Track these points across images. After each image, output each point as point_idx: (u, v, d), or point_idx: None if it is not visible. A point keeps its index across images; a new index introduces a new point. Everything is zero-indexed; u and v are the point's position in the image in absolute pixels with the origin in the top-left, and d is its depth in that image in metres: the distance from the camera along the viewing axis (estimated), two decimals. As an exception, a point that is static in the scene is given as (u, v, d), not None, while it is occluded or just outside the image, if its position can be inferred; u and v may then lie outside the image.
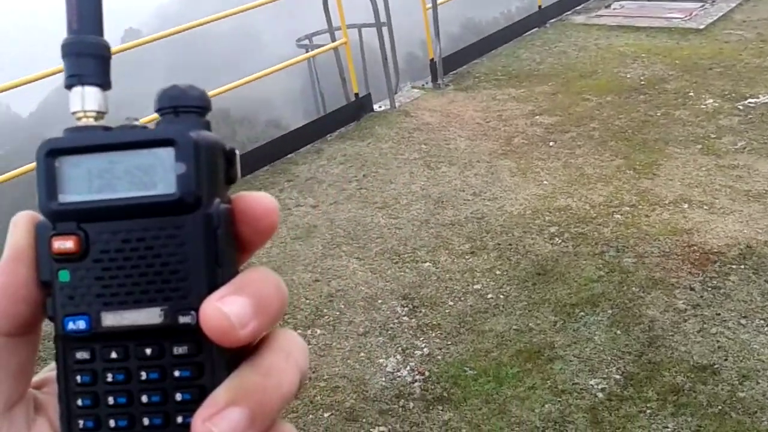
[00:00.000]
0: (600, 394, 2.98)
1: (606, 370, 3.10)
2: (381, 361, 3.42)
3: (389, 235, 4.56)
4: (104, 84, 0.37)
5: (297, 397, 0.42)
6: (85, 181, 0.35)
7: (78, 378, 0.35)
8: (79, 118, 0.36)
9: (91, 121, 0.36)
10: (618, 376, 3.06)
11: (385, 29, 6.90)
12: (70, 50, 0.37)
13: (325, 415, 3.11)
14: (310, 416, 3.13)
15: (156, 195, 0.35)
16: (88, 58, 0.37)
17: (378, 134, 6.14)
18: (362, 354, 3.48)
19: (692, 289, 3.49)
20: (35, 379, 0.39)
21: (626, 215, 4.31)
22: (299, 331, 3.70)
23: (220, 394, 0.34)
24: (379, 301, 3.89)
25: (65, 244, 0.35)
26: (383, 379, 3.29)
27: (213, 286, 0.34)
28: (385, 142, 5.96)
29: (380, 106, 6.82)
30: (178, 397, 0.35)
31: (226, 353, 0.35)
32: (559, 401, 2.98)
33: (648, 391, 2.94)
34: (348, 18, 6.93)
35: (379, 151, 5.82)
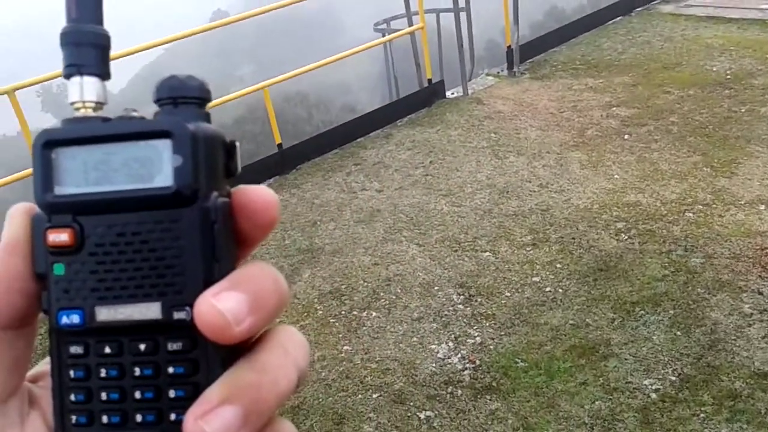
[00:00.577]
0: (653, 395, 2.91)
1: (662, 371, 3.02)
2: (433, 347, 3.45)
3: (451, 222, 4.57)
4: (103, 74, 0.36)
5: (296, 392, 0.47)
6: (81, 173, 0.35)
7: (71, 373, 0.35)
8: (77, 109, 0.36)
9: (90, 112, 0.36)
10: (674, 378, 2.97)
11: (463, 15, 6.85)
12: (68, 39, 0.36)
13: (374, 396, 3.17)
14: (359, 396, 3.20)
15: (152, 188, 0.34)
16: (87, 48, 0.36)
17: (448, 121, 6.13)
18: (415, 339, 3.53)
19: (760, 293, 3.34)
20: (30, 372, 0.39)
21: (699, 214, 4.16)
22: (355, 312, 3.79)
23: (213, 392, 0.33)
24: (436, 288, 3.92)
25: (60, 236, 0.34)
26: (434, 364, 3.32)
27: (209, 282, 0.34)
28: (455, 130, 5.95)
29: (453, 93, 6.80)
30: (172, 394, 0.34)
31: (222, 350, 0.34)
32: (610, 399, 2.93)
33: (703, 395, 2.85)
34: (427, 3, 6.92)
35: (448, 138, 5.81)
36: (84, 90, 0.36)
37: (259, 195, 0.36)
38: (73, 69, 0.36)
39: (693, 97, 5.74)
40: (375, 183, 5.25)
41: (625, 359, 3.14)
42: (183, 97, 0.36)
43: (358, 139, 6.13)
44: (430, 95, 6.60)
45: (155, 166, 0.34)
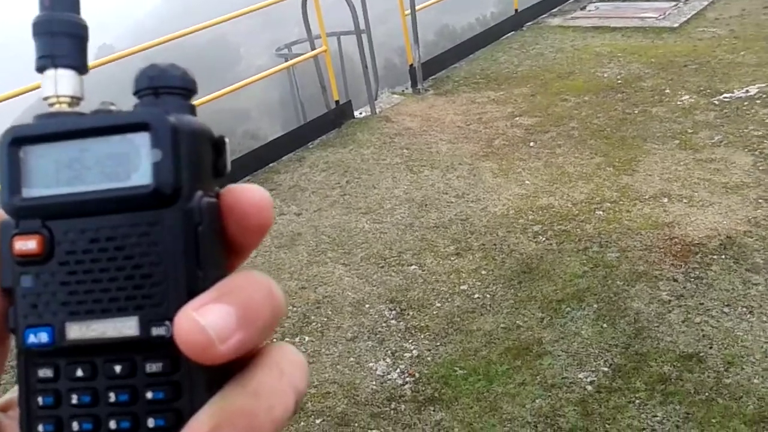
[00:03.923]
0: (589, 387, 3.00)
1: (594, 363, 3.13)
2: (371, 365, 3.42)
3: (374, 239, 4.57)
4: (80, 67, 0.33)
5: (293, 418, 0.42)
6: (52, 173, 0.31)
7: (40, 399, 0.31)
8: (51, 104, 0.33)
9: (65, 108, 0.33)
10: (606, 369, 3.08)
11: (364, 36, 6.94)
12: (41, 29, 0.33)
13: (317, 421, 3.10)
14: (302, 423, 3.12)
15: (129, 187, 0.31)
16: (62, 38, 0.33)
17: (359, 140, 6.16)
18: (351, 359, 3.48)
19: (675, 280, 3.54)
20: (1, 399, 0.35)
21: (608, 211, 4.36)
22: (287, 339, 3.70)
23: (201, 420, 0.29)
24: (367, 306, 3.90)
25: (27, 244, 0.31)
26: (374, 382, 3.29)
27: (192, 293, 0.30)
28: (367, 148, 5.98)
29: (361, 113, 6.85)
30: (151, 423, 0.30)
31: (208, 372, 0.30)
32: (549, 396, 3.00)
33: (636, 382, 2.97)
34: (326, 27, 6.97)
35: (361, 157, 5.83)
36: (58, 83, 0.33)
37: (250, 195, 0.33)
38: (46, 61, 0.33)
39: (589, 103, 6.05)
40: (293, 206, 5.18)
41: (558, 356, 3.22)
42: (164, 87, 0.33)
43: (271, 164, 6.05)
44: (338, 116, 6.62)
45: (132, 163, 0.31)
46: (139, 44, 6.09)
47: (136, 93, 0.33)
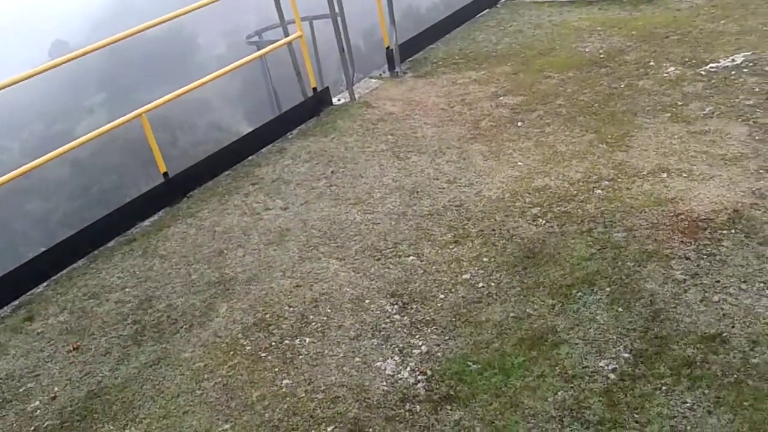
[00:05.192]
0: (612, 375, 2.87)
1: (614, 350, 3.00)
2: (379, 364, 3.25)
3: (367, 231, 4.39)
4: None
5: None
6: None
7: None
8: None
9: None
10: (627, 355, 2.96)
11: (338, 20, 6.71)
12: None
13: (329, 429, 2.92)
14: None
15: None
16: None
17: (341, 128, 5.95)
18: (358, 359, 3.31)
19: (688, 258, 3.43)
20: None
21: (607, 190, 4.24)
22: (287, 341, 3.51)
23: None
24: (367, 301, 3.72)
25: None
26: (384, 383, 3.12)
27: None
28: (350, 136, 5.78)
29: (339, 100, 6.63)
30: None
31: None
32: (572, 387, 2.86)
33: (660, 367, 2.85)
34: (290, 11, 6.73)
35: (345, 145, 5.63)
36: None
37: None
38: None
39: (573, 79, 5.92)
40: (278, 201, 4.97)
41: (576, 344, 3.09)
42: None
43: (250, 158, 5.82)
44: (316, 104, 6.40)
45: None
46: (94, 38, 5.76)
47: None
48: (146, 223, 5.16)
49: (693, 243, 3.53)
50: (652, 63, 5.86)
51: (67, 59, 5.47)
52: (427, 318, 3.50)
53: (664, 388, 2.76)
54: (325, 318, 3.64)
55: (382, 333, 3.45)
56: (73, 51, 5.62)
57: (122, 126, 5.21)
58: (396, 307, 3.64)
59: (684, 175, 4.20)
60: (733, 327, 2.96)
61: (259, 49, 6.75)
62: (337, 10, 6.52)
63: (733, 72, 5.40)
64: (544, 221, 4.10)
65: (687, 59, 5.79)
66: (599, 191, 4.25)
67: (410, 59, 7.23)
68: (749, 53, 5.65)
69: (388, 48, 6.95)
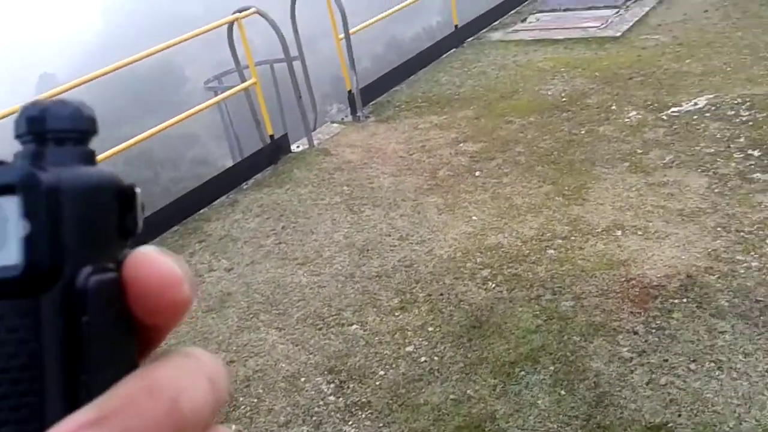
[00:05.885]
0: (549, 473, 2.66)
1: (553, 442, 2.79)
2: (306, 455, 3.03)
3: (311, 296, 4.18)
4: None
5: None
6: None
7: None
8: None
9: None
10: (567, 448, 2.75)
11: (297, 63, 6.57)
12: None
13: None
14: None
15: None
16: None
17: (296, 178, 5.77)
18: (284, 449, 3.09)
19: (636, 332, 3.23)
20: None
21: (559, 249, 4.05)
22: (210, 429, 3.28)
23: (85, 409, 0.23)
24: (302, 380, 3.50)
25: None
26: (308, 479, 2.90)
27: (73, 404, 0.24)
28: (305, 187, 5.60)
29: (298, 146, 6.46)
30: None
31: None
32: (505, 487, 2.65)
33: (600, 464, 2.64)
34: (264, 52, 6.58)
35: (299, 197, 5.44)
36: None
37: (151, 268, 0.27)
38: None
39: (534, 124, 5.77)
40: (223, 261, 4.76)
41: (514, 433, 2.88)
42: (52, 131, 0.27)
43: (201, 211, 5.62)
44: (274, 152, 6.22)
45: None
46: (82, 72, 5.59)
47: (18, 137, 0.27)
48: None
49: (642, 314, 3.33)
50: (614, 107, 5.72)
51: (52, 94, 5.28)
52: (363, 400, 3.28)
53: (603, 488, 2.55)
54: (255, 400, 3.42)
55: (314, 418, 3.23)
56: (61, 84, 5.45)
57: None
58: (332, 386, 3.42)
59: (639, 233, 4.02)
60: (679, 415, 2.75)
61: (216, 95, 6.58)
62: (295, 53, 6.38)
63: (695, 117, 5.26)
64: (493, 284, 3.90)
65: (649, 102, 5.65)
66: (551, 251, 4.06)
67: (374, 102, 7.08)
68: (712, 96, 5.52)
69: (349, 92, 6.80)
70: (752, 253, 3.60)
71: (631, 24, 7.62)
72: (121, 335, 0.27)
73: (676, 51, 6.63)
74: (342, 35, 6.63)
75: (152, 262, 0.27)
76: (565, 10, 8.40)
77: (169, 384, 0.25)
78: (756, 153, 4.57)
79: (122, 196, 0.28)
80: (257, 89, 6.14)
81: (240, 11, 5.75)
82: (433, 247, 4.40)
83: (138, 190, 0.29)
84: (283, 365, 3.63)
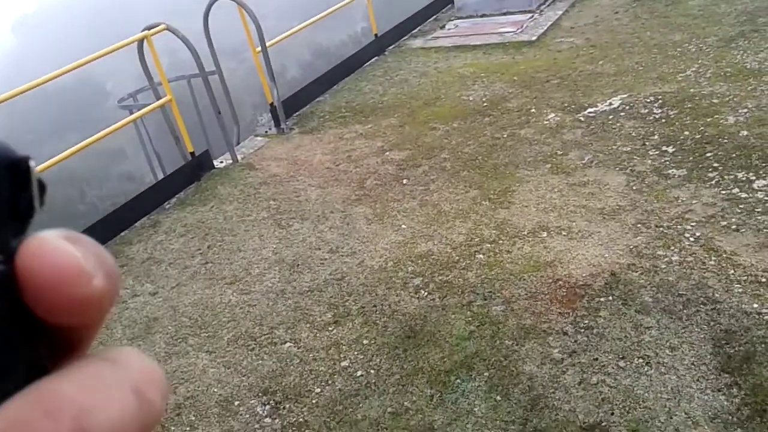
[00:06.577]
0: (489, 481, 2.66)
1: (491, 449, 2.79)
2: (242, 483, 2.93)
3: (242, 315, 4.07)
4: None
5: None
6: None
7: None
8: None
9: None
10: (505, 454, 2.76)
11: (215, 78, 6.42)
12: None
13: None
14: None
15: None
16: None
17: (221, 195, 5.63)
18: (220, 478, 2.98)
19: (565, 333, 3.28)
20: None
21: (488, 254, 4.09)
22: (141, 465, 3.13)
23: None
24: (236, 403, 3.39)
25: None
26: None
27: None
28: (230, 204, 5.46)
29: (222, 162, 6.31)
30: None
31: None
32: (447, 499, 2.63)
33: (538, 467, 2.66)
34: (188, 67, 6.42)
35: (224, 215, 5.31)
36: None
37: (44, 259, 0.22)
38: None
39: (458, 130, 5.83)
40: (147, 285, 4.58)
41: (453, 442, 2.87)
42: None
43: (122, 234, 5.40)
44: (196, 169, 6.05)
45: None
46: None
47: None
48: None
49: (570, 314, 3.39)
50: (533, 110, 5.84)
51: None
52: (300, 420, 3.21)
53: (542, 492, 2.57)
54: (188, 429, 3.29)
55: (249, 443, 3.14)
56: None
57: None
58: (267, 408, 3.33)
59: (563, 233, 4.11)
60: (612, 414, 2.81)
61: (131, 113, 6.36)
62: (212, 68, 6.24)
63: (610, 116, 5.44)
64: (426, 293, 3.90)
65: (567, 104, 5.80)
66: (481, 256, 4.09)
67: (297, 113, 7.00)
68: (626, 95, 5.72)
69: (271, 104, 6.70)
70: (672, 248, 3.73)
71: (545, 28, 7.82)
72: (14, 339, 0.23)
73: (590, 53, 6.85)
74: (258, 48, 6.53)
75: (46, 251, 0.23)
76: (481, 16, 8.56)
77: (73, 400, 0.21)
78: (670, 149, 4.76)
79: (14, 170, 0.23)
80: (173, 106, 5.97)
81: (149, 28, 5.57)
82: (364, 258, 4.37)
83: (32, 163, 0.24)
84: (216, 390, 3.51)
